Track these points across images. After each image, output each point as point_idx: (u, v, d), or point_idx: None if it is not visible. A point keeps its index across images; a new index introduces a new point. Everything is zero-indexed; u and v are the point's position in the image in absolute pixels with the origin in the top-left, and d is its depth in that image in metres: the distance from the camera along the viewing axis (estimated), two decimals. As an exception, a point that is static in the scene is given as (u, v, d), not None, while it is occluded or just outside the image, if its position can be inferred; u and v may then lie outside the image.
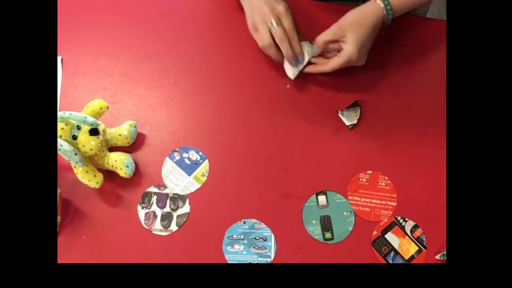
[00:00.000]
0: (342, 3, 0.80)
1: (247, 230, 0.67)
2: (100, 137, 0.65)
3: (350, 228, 0.67)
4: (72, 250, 0.66)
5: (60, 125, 0.63)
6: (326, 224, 0.67)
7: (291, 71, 0.73)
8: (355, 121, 0.72)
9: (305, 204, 0.68)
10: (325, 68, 0.70)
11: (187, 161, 0.71)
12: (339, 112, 0.72)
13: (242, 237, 0.67)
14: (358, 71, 0.76)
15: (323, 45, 0.70)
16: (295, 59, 0.71)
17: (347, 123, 0.72)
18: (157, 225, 0.68)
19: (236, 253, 0.66)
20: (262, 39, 0.69)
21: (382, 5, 0.68)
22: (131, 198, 0.69)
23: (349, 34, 0.67)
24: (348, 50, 0.67)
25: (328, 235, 0.67)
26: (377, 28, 0.69)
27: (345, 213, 0.68)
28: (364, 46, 0.68)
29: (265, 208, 0.68)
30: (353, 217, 0.68)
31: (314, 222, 0.67)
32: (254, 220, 0.68)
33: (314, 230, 0.67)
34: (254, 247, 0.67)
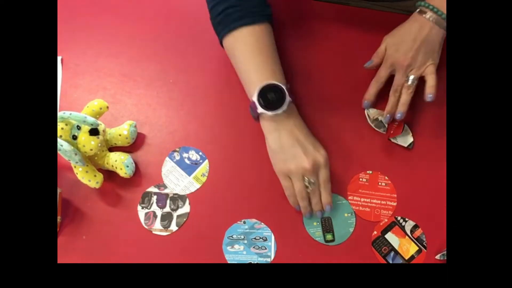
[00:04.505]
0: (347, 4, 0.80)
1: (247, 230, 0.67)
2: (100, 137, 0.65)
3: (351, 230, 0.67)
4: (72, 250, 0.66)
5: (60, 125, 0.63)
6: (327, 226, 0.67)
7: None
8: (411, 139, 0.71)
9: None
10: (409, 92, 0.68)
11: (187, 161, 0.71)
12: (392, 139, 0.71)
13: (242, 237, 0.67)
14: (357, 71, 0.76)
15: (381, 56, 0.69)
16: (321, 212, 0.66)
17: (405, 145, 0.71)
18: (157, 225, 0.68)
19: (236, 253, 0.66)
20: (295, 191, 0.64)
21: (424, 13, 0.66)
22: (131, 198, 0.69)
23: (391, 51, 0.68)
24: (396, 57, 0.67)
25: (329, 236, 0.67)
26: (418, 25, 0.66)
27: (346, 215, 0.68)
28: (400, 43, 0.66)
29: (265, 208, 0.68)
30: (354, 219, 0.68)
31: (315, 224, 0.67)
32: (254, 220, 0.68)
33: (315, 232, 0.67)
34: (254, 247, 0.67)
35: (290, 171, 0.64)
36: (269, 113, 0.62)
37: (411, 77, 0.67)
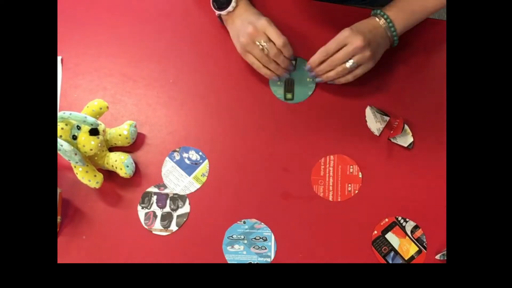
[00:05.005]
0: (346, 4, 0.80)
1: (247, 230, 0.67)
2: (100, 137, 0.65)
3: (310, 93, 0.73)
4: (72, 250, 0.66)
5: (60, 125, 0.63)
6: (289, 86, 0.74)
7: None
8: (411, 139, 0.71)
9: None
10: (339, 69, 0.67)
11: (187, 161, 0.71)
12: (392, 139, 0.71)
13: (242, 237, 0.67)
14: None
15: (327, 54, 0.67)
16: (290, 69, 0.72)
17: (405, 145, 0.71)
18: (157, 225, 0.68)
19: (236, 253, 0.66)
20: (257, 59, 0.69)
21: (378, 19, 0.69)
22: (131, 198, 0.69)
23: (350, 31, 0.66)
24: (352, 37, 0.65)
25: (289, 96, 0.74)
26: (378, 30, 0.68)
27: (308, 79, 0.74)
28: (368, 35, 0.66)
29: (265, 208, 0.68)
30: (314, 85, 0.74)
31: (278, 83, 0.74)
32: (254, 220, 0.68)
33: (277, 90, 0.74)
34: (254, 247, 0.67)
35: (244, 44, 0.69)
36: (222, 12, 0.72)
37: (351, 61, 0.67)
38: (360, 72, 0.68)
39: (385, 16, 0.69)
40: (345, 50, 0.66)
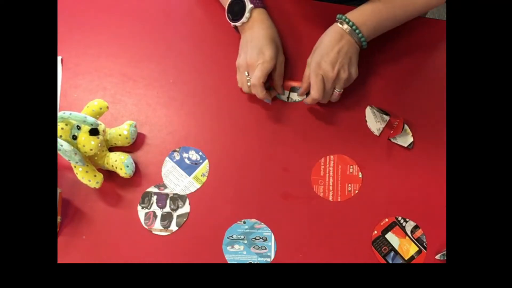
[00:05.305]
0: (346, 4, 0.80)
1: (247, 230, 0.67)
2: (100, 137, 0.65)
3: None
4: (72, 250, 0.66)
5: (60, 125, 0.63)
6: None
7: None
8: (411, 139, 0.71)
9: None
10: (313, 94, 0.68)
11: (187, 161, 0.71)
12: (392, 139, 0.71)
13: (242, 237, 0.67)
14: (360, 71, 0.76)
15: (308, 80, 0.70)
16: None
17: (405, 145, 0.71)
18: (157, 225, 0.68)
19: (236, 253, 0.66)
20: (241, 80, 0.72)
21: (338, 21, 0.69)
22: (131, 198, 0.69)
23: (317, 66, 0.68)
24: (311, 66, 0.67)
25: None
26: (336, 37, 0.68)
27: None
28: (325, 57, 0.67)
29: (265, 208, 0.68)
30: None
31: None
32: (254, 220, 0.68)
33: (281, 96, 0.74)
34: (254, 247, 0.67)
35: (239, 64, 0.71)
36: (237, 24, 0.72)
37: (337, 89, 0.69)
38: (347, 85, 0.70)
39: (347, 20, 0.68)
40: (328, 88, 0.68)
